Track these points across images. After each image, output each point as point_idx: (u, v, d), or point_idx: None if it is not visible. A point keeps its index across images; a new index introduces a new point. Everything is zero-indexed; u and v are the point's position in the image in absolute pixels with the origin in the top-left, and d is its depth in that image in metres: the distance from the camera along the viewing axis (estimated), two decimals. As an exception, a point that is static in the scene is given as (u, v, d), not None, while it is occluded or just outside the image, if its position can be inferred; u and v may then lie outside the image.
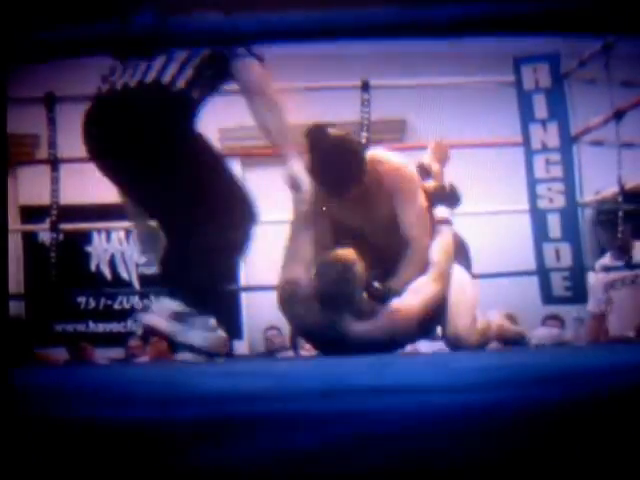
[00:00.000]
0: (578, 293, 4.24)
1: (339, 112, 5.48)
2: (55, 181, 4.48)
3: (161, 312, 2.92)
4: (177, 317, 2.91)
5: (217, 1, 2.36)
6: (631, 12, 1.17)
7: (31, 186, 5.85)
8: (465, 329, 3.13)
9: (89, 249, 6.68)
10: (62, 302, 6.35)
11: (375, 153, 3.24)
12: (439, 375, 1.81)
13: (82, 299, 6.62)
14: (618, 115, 4.04)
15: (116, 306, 6.67)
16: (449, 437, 0.84)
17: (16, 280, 5.94)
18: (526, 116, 4.25)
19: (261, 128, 2.95)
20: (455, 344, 3.13)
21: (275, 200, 6.49)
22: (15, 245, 6.17)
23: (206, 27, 1.22)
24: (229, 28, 1.22)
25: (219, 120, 6.50)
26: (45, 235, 5.37)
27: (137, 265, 6.62)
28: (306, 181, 3.01)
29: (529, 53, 4.25)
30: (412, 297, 3.02)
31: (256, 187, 7.02)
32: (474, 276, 3.42)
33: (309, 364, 2.96)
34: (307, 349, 4.97)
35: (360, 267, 2.99)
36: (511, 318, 5.25)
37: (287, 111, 2.95)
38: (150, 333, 3.03)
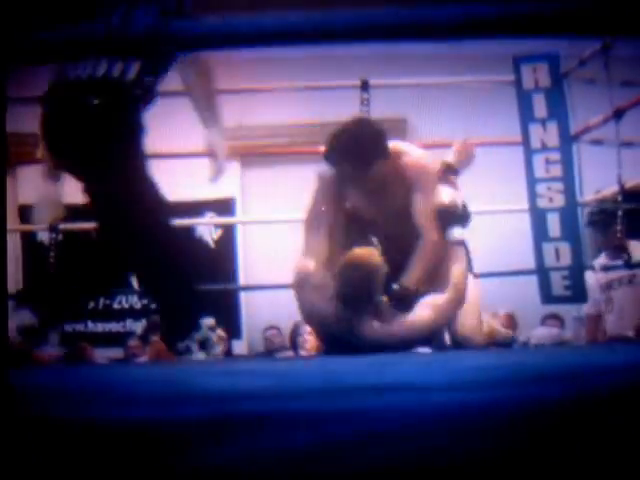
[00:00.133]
0: (577, 292, 4.24)
1: (339, 111, 5.49)
2: (55, 181, 4.48)
3: None
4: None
5: (217, 2, 2.36)
6: (631, 12, 1.17)
7: (30, 185, 5.85)
8: (472, 330, 3.16)
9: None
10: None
11: (398, 144, 3.26)
12: (438, 374, 1.81)
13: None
14: (617, 114, 4.04)
15: (115, 306, 6.66)
16: (449, 435, 0.84)
17: (15, 280, 5.94)
18: (526, 115, 4.25)
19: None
20: (462, 344, 3.14)
21: (275, 200, 6.50)
22: (14, 245, 6.17)
23: (206, 29, 1.22)
24: (229, 30, 1.22)
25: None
26: (44, 235, 5.37)
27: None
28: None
29: (529, 53, 4.25)
30: (428, 312, 3.05)
31: (256, 187, 7.00)
32: (474, 275, 3.43)
33: (309, 364, 2.96)
34: (307, 349, 4.97)
35: (383, 270, 3.02)
36: (510, 318, 5.27)
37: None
38: None
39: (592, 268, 4.45)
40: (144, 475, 0.78)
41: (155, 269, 2.89)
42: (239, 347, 6.40)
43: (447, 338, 3.21)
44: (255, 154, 6.31)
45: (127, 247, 2.91)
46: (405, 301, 3.04)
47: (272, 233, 5.68)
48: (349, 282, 2.99)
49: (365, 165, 3.12)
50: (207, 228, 6.65)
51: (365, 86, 4.36)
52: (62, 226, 4.90)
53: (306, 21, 1.21)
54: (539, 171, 4.22)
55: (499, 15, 1.19)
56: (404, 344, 3.01)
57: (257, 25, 1.21)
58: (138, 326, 6.25)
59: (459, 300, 3.11)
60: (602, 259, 4.52)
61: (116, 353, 5.76)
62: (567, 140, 4.23)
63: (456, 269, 3.11)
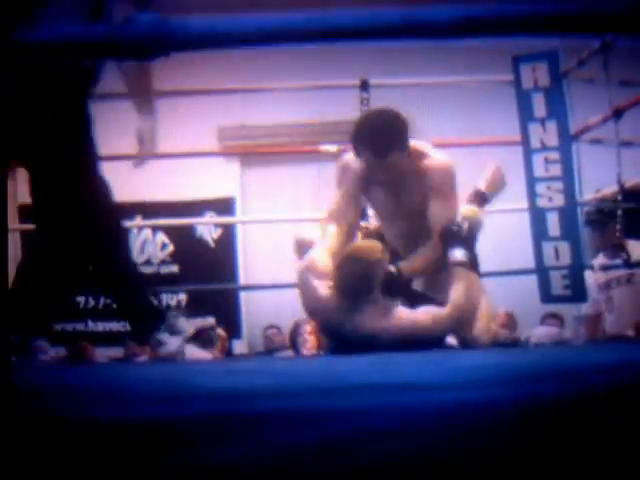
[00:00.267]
0: (577, 292, 4.24)
1: (339, 111, 5.50)
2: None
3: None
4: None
5: (217, 1, 2.37)
6: (631, 12, 1.18)
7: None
8: (481, 330, 3.17)
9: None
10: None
11: (423, 145, 3.27)
12: (438, 372, 1.81)
13: (81, 298, 6.62)
14: (617, 114, 4.04)
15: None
16: (449, 433, 0.85)
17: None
18: (525, 115, 4.25)
19: None
20: (470, 344, 3.15)
21: (275, 199, 6.50)
22: (13, 244, 6.17)
23: (206, 28, 1.22)
24: (229, 30, 1.23)
25: (219, 120, 6.51)
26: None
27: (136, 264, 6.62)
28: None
29: (528, 52, 4.26)
30: (426, 317, 3.04)
31: (256, 186, 7.00)
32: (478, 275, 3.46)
33: (309, 362, 2.96)
34: (307, 349, 4.98)
35: (384, 261, 3.03)
36: (510, 317, 5.27)
37: None
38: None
39: (591, 268, 4.46)
40: (145, 474, 0.78)
41: (103, 271, 2.84)
42: (239, 346, 6.41)
43: (451, 341, 3.22)
44: (255, 154, 6.31)
45: (70, 249, 2.83)
46: (395, 285, 3.06)
47: (272, 233, 5.68)
48: (348, 275, 3.00)
49: (382, 151, 3.13)
50: (207, 228, 6.66)
51: (365, 86, 4.36)
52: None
53: (306, 20, 1.21)
54: (539, 170, 4.22)
55: (499, 14, 1.19)
56: (399, 341, 3.01)
57: (256, 25, 1.22)
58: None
59: (457, 319, 3.10)
60: (600, 258, 4.53)
61: (116, 352, 5.77)
62: (566, 139, 4.23)
63: (455, 290, 3.11)
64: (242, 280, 6.52)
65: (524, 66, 4.26)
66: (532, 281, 4.30)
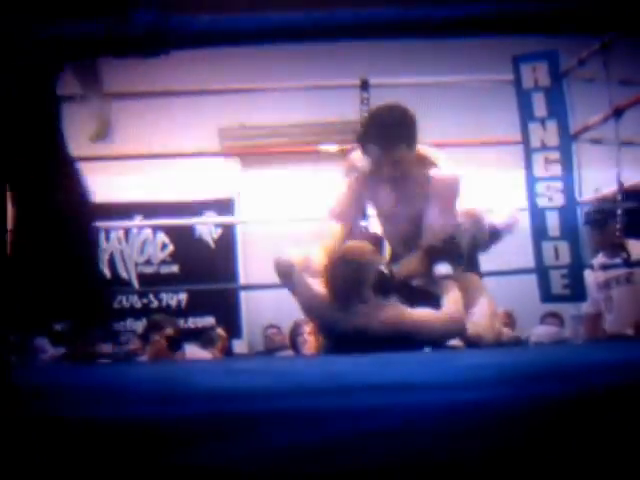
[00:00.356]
0: (577, 291, 4.24)
1: (339, 111, 5.50)
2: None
3: None
4: None
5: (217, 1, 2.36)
6: (631, 12, 1.18)
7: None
8: (484, 328, 3.18)
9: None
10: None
11: (433, 152, 3.29)
12: (438, 372, 1.81)
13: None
14: (617, 113, 4.04)
15: (115, 305, 6.67)
16: (449, 433, 0.85)
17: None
18: (525, 114, 4.25)
19: None
20: (475, 342, 3.16)
21: (274, 200, 6.50)
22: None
23: (206, 27, 1.22)
24: (229, 28, 1.23)
25: (219, 120, 6.51)
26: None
27: (136, 264, 6.62)
28: None
29: (528, 52, 4.25)
30: (419, 318, 3.07)
31: (255, 186, 7.00)
32: (479, 275, 3.48)
33: (309, 362, 2.96)
34: (307, 349, 4.97)
35: (376, 265, 3.05)
36: (509, 316, 5.27)
37: None
38: None
39: (591, 267, 4.46)
40: (145, 474, 0.78)
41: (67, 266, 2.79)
42: (239, 346, 6.41)
43: (453, 342, 3.23)
44: (255, 154, 6.31)
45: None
46: (387, 285, 3.08)
47: (272, 233, 5.68)
48: (338, 277, 3.03)
49: (390, 144, 3.14)
50: (207, 228, 6.66)
51: (365, 85, 4.35)
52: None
53: (306, 19, 1.21)
54: (539, 170, 4.22)
55: (499, 14, 1.19)
56: (392, 339, 3.02)
57: (257, 23, 1.21)
58: (138, 325, 6.25)
59: (448, 326, 3.12)
60: (600, 258, 4.53)
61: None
62: (567, 139, 4.23)
63: (446, 300, 3.14)
64: (242, 280, 6.51)
65: (524, 66, 4.25)
66: (532, 280, 4.30)
